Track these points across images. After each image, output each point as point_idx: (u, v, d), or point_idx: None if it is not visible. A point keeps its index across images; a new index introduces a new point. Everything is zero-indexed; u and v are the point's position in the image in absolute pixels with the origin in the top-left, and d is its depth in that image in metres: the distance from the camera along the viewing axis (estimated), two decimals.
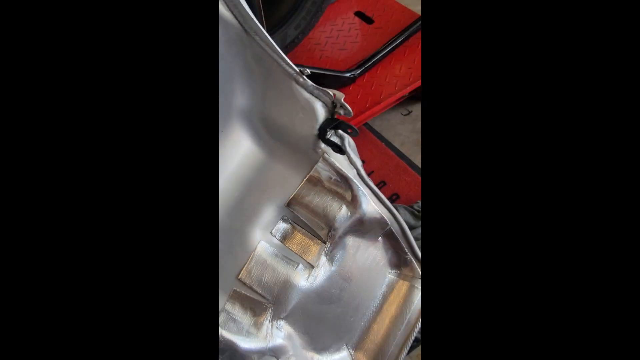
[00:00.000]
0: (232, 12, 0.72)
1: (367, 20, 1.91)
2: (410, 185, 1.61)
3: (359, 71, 1.70)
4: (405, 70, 1.70)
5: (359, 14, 1.94)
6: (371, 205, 0.89)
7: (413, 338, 0.93)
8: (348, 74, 1.68)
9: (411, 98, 1.81)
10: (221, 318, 0.83)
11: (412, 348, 0.94)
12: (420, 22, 1.72)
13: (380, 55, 1.72)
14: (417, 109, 1.81)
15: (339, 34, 1.89)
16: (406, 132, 1.77)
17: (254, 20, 0.72)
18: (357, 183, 0.87)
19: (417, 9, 1.85)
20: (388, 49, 1.72)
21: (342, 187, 0.87)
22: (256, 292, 0.86)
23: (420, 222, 1.45)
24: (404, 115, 1.82)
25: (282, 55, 0.76)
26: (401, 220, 0.94)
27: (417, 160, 1.67)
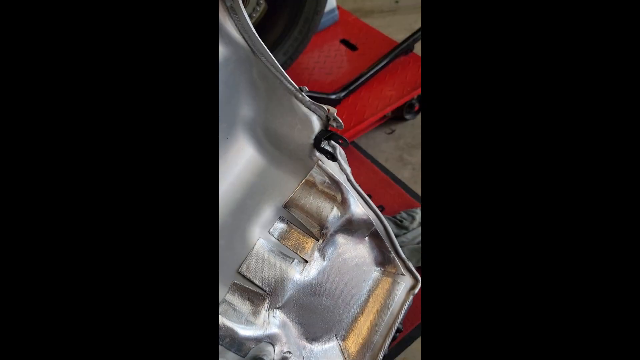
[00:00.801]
0: (243, 37, 0.84)
1: (352, 47, 2.06)
2: (394, 198, 1.73)
3: (344, 93, 1.83)
4: (387, 92, 1.84)
5: (344, 41, 2.09)
6: (359, 207, 1.01)
7: (395, 328, 1.03)
8: (334, 96, 1.80)
9: (394, 118, 1.96)
10: (222, 308, 0.92)
11: (393, 338, 1.04)
12: (399, 48, 1.87)
13: (363, 78, 1.85)
14: (399, 128, 1.96)
15: (325, 59, 2.03)
16: (390, 150, 1.90)
17: (261, 44, 0.84)
18: (346, 187, 0.99)
19: (397, 37, 2.01)
20: (370, 73, 1.86)
21: (334, 190, 0.98)
22: (254, 284, 0.94)
23: (402, 231, 1.57)
24: (388, 134, 1.96)
25: (284, 74, 0.88)
26: (385, 222, 1.05)
27: (400, 175, 1.79)
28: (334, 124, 0.94)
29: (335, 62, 2.00)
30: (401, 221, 1.64)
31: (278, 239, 0.99)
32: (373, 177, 1.82)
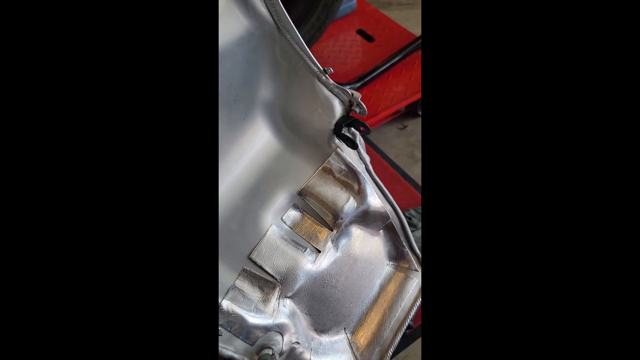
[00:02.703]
0: (269, 10, 0.80)
1: (368, 38, 2.02)
2: (403, 195, 1.69)
3: (358, 85, 1.79)
4: (402, 87, 1.81)
5: (360, 32, 2.05)
6: (376, 198, 0.97)
7: (407, 324, 1.00)
8: (348, 87, 1.77)
9: (407, 113, 1.92)
10: (232, 294, 0.88)
11: (404, 334, 1.01)
12: (417, 42, 1.84)
13: (378, 71, 1.82)
14: (412, 124, 1.92)
15: (341, 49, 1.99)
16: (401, 145, 1.87)
17: (287, 19, 0.80)
18: (364, 177, 0.95)
19: (416, 30, 1.97)
20: (386, 65, 1.82)
21: (351, 179, 0.95)
22: (265, 271, 0.91)
23: (411, 229, 1.53)
24: (400, 129, 1.92)
25: (308, 54, 0.85)
26: (402, 216, 1.02)
27: (410, 171, 1.76)
28: (357, 110, 0.90)
29: (351, 53, 1.96)
30: (410, 218, 1.60)
31: (290, 227, 0.95)
32: (382, 173, 1.78)
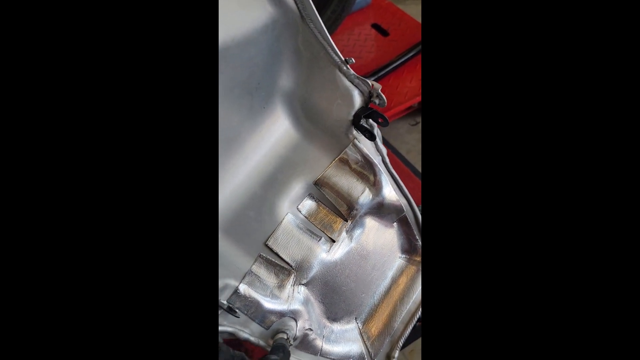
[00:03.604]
0: None
1: (383, 32, 2.01)
2: (414, 191, 1.68)
3: (372, 79, 1.80)
4: (416, 82, 1.80)
5: (375, 26, 2.04)
6: (391, 191, 0.98)
7: (418, 316, 1.01)
8: None
9: (419, 110, 1.92)
10: (248, 279, 0.90)
11: (413, 327, 1.02)
12: None
13: (393, 66, 1.82)
14: None
15: (355, 43, 1.99)
16: (412, 142, 1.87)
17: (312, 8, 0.81)
18: (380, 169, 0.96)
19: None
20: (401, 60, 1.82)
21: (367, 170, 0.96)
22: (281, 258, 0.92)
23: None
24: (412, 125, 1.93)
25: (331, 43, 0.85)
26: (416, 209, 1.03)
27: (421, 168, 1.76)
28: (377, 101, 0.90)
29: (365, 47, 1.96)
30: None
31: (306, 216, 0.96)
32: (393, 168, 1.79)
